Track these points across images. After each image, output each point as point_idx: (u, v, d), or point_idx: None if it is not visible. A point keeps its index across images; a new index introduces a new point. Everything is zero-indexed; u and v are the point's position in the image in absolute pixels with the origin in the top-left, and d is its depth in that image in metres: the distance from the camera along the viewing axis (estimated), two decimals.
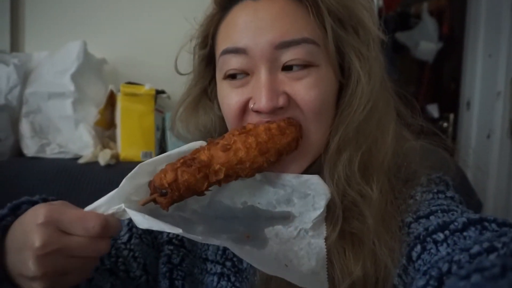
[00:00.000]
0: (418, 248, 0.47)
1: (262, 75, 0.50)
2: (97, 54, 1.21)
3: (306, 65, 0.51)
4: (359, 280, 0.50)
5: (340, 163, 0.52)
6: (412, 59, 2.29)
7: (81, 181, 1.00)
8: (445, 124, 2.12)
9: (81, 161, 1.06)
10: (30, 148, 1.10)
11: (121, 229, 0.45)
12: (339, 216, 0.51)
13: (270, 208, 0.53)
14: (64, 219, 0.41)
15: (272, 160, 0.49)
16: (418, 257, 0.46)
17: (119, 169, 1.05)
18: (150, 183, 0.46)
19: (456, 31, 2.20)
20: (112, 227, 0.43)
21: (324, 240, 0.51)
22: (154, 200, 0.45)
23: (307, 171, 0.55)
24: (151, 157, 1.12)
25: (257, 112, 0.51)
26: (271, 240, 0.51)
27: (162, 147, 1.19)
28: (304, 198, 0.51)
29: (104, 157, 1.06)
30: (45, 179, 1.00)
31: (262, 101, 0.49)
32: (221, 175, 0.46)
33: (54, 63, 1.14)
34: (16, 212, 0.46)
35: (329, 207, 0.52)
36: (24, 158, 1.11)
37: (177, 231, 0.41)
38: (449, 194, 0.57)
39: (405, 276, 0.48)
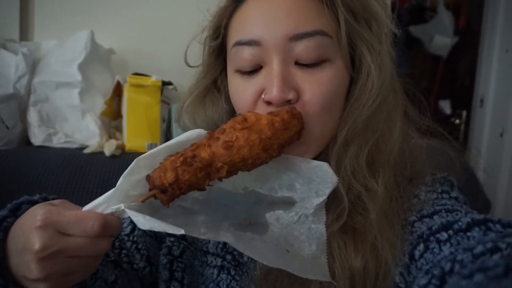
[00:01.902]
0: (421, 247, 0.47)
1: (275, 66, 0.50)
2: (105, 44, 1.21)
3: (319, 59, 0.50)
4: (359, 275, 0.50)
5: (347, 156, 0.52)
6: (426, 54, 2.24)
7: (87, 171, 1.01)
8: (457, 121, 2.08)
9: (86, 151, 1.07)
10: (37, 137, 1.11)
11: (121, 227, 0.45)
12: (345, 209, 0.51)
13: (272, 193, 0.53)
14: (63, 221, 0.40)
15: (274, 155, 0.48)
16: (421, 256, 0.46)
17: (124, 159, 1.06)
18: (148, 177, 0.45)
19: (473, 25, 2.14)
20: (112, 226, 0.43)
21: (324, 226, 0.51)
22: (154, 195, 0.45)
23: None
24: None
25: (268, 102, 0.50)
26: (272, 224, 0.51)
27: (167, 139, 1.19)
28: (308, 184, 0.51)
29: (109, 148, 1.06)
30: (51, 168, 1.01)
31: (273, 92, 0.48)
32: (223, 173, 0.45)
33: (62, 53, 1.14)
34: (16, 212, 0.46)
35: (335, 198, 0.51)
36: (31, 146, 1.13)
37: (179, 231, 0.41)
38: (453, 194, 0.56)
39: (407, 274, 0.48)
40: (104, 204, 0.43)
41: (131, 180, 0.44)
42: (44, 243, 0.39)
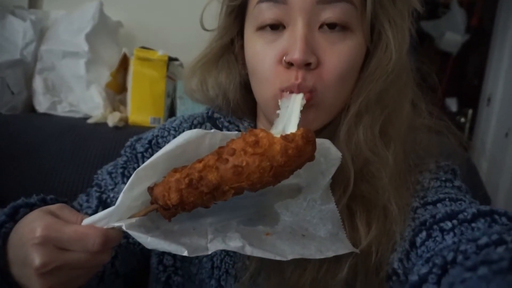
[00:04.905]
0: (423, 234, 0.46)
1: (299, 27, 0.49)
2: (113, 16, 1.20)
3: (343, 27, 0.50)
4: (368, 243, 0.50)
5: (360, 125, 0.52)
6: (436, 50, 2.22)
7: (89, 140, 1.01)
8: (462, 119, 2.06)
9: (90, 121, 1.07)
10: (42, 104, 1.11)
11: (121, 239, 0.44)
12: (350, 179, 0.51)
13: None
14: (62, 238, 0.40)
15: (284, 179, 0.46)
16: (422, 243, 0.46)
17: (126, 132, 1.06)
18: (150, 190, 0.43)
19: (485, 24, 2.12)
20: (112, 240, 0.42)
21: (334, 204, 0.50)
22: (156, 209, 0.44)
23: (320, 133, 0.55)
24: (159, 123, 1.12)
25: (290, 64, 0.50)
26: (283, 214, 0.51)
27: (171, 114, 1.19)
28: (312, 166, 0.49)
29: (113, 119, 1.06)
30: (54, 136, 1.01)
31: (295, 53, 0.48)
32: (230, 196, 0.43)
33: (70, 22, 1.14)
34: (15, 217, 0.47)
35: (340, 169, 0.51)
36: (35, 114, 1.13)
37: (183, 252, 0.40)
38: (456, 183, 0.56)
39: (406, 261, 0.47)
40: (105, 219, 0.42)
41: (132, 195, 0.43)
42: (45, 260, 0.39)
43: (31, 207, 0.48)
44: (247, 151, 0.42)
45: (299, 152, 0.43)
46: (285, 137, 0.43)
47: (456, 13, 2.17)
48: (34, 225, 0.40)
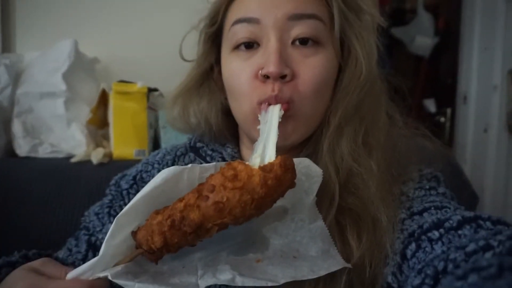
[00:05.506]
0: (413, 246, 0.46)
1: (272, 42, 0.51)
2: (88, 52, 1.20)
3: (314, 42, 0.52)
4: (361, 256, 0.50)
5: (342, 137, 0.53)
6: (408, 55, 2.28)
7: (74, 180, 1.00)
8: (442, 119, 2.11)
9: (73, 160, 1.06)
10: (22, 148, 1.10)
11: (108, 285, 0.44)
12: (336, 193, 0.51)
13: None
14: None
15: (268, 209, 0.45)
16: (413, 255, 0.46)
17: (112, 167, 1.04)
18: (134, 234, 0.43)
19: (452, 25, 2.19)
20: None
21: (322, 221, 0.50)
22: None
23: (303, 147, 0.56)
24: (144, 155, 1.11)
25: (265, 77, 0.51)
26: (272, 238, 0.50)
27: (155, 145, 1.18)
28: (294, 187, 0.49)
29: (96, 156, 1.05)
30: (38, 179, 0.99)
31: (270, 66, 0.50)
32: (214, 232, 0.43)
33: (45, 63, 1.14)
34: None
35: (325, 184, 0.51)
36: (16, 158, 1.11)
37: None
38: (440, 190, 0.57)
39: (399, 274, 0.47)
40: (89, 271, 0.41)
41: (114, 243, 0.42)
42: None
43: (13, 265, 0.47)
44: (226, 186, 0.41)
45: (279, 181, 0.42)
46: (264, 168, 0.42)
47: (423, 17, 2.25)
48: (17, 286, 0.40)
